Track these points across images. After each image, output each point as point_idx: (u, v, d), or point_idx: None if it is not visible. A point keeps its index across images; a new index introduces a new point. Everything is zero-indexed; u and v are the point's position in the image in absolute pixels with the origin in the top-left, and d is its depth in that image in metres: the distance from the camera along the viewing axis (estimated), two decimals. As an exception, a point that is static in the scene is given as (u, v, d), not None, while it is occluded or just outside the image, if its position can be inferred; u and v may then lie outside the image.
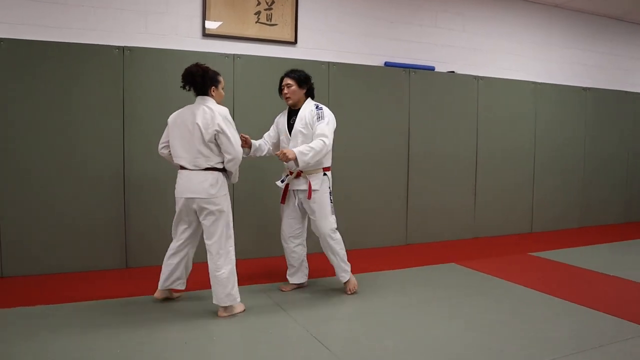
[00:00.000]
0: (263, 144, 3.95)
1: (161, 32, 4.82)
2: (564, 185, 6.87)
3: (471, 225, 6.21)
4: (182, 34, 4.90)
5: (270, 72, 4.80)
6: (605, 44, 7.45)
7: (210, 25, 4.99)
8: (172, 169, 4.49)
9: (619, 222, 7.37)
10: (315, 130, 3.64)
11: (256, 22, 5.17)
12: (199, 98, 3.36)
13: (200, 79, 3.30)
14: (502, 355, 2.84)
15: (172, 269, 3.52)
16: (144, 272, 4.42)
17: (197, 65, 3.34)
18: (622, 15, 7.35)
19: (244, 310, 3.45)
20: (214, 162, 3.31)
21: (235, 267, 3.40)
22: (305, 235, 3.99)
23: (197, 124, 3.24)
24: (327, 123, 3.67)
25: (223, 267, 3.32)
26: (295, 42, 5.35)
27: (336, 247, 3.84)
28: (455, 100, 6.01)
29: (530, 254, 5.38)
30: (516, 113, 6.44)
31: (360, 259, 4.89)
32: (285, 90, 3.77)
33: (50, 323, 3.18)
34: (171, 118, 3.46)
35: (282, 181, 3.82)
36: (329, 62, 5.25)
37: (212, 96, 3.37)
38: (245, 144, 3.78)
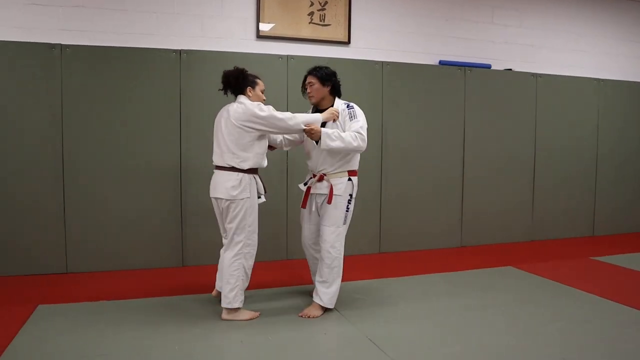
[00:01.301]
0: (278, 136, 3.68)
1: (217, 35, 4.90)
2: (628, 186, 6.55)
3: (529, 227, 6.02)
4: (236, 37, 4.97)
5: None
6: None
7: (264, 27, 5.03)
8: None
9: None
10: (349, 128, 3.38)
11: (309, 23, 5.18)
12: (237, 98, 3.38)
13: (234, 79, 3.32)
14: (566, 365, 2.74)
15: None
16: (199, 270, 4.51)
17: (235, 68, 3.35)
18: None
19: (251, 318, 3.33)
20: (238, 161, 3.26)
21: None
22: None
23: (229, 118, 3.26)
24: (362, 122, 3.41)
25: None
26: (348, 42, 5.33)
27: (334, 266, 3.43)
28: (513, 99, 5.84)
29: (592, 258, 5.16)
30: (577, 112, 6.19)
31: (414, 261, 4.83)
32: (308, 89, 3.53)
33: (111, 318, 3.29)
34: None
35: (305, 184, 3.61)
36: (382, 62, 5.20)
37: (248, 96, 3.35)
38: None
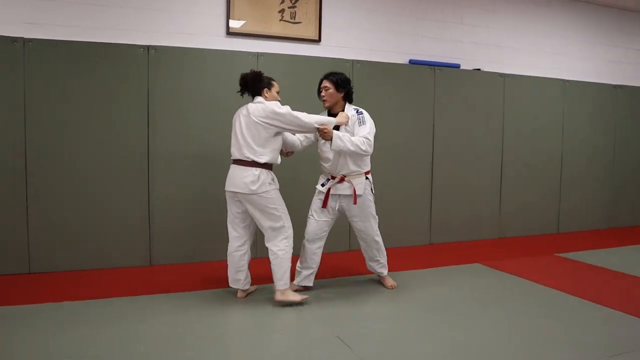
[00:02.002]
0: (295, 139, 3.90)
1: (186, 31, 4.84)
2: (593, 184, 6.72)
3: (496, 224, 6.12)
4: (206, 33, 4.92)
5: (294, 70, 4.80)
6: (637, 40, 7.26)
7: (234, 24, 4.99)
8: (195, 166, 4.53)
9: (650, 223, 7.19)
10: (357, 133, 3.66)
11: (280, 20, 5.16)
12: (254, 99, 3.57)
13: (251, 81, 3.52)
14: (532, 359, 2.79)
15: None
16: (168, 269, 4.46)
17: (251, 71, 3.57)
18: (655, 11, 7.17)
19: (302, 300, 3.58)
20: (256, 156, 3.44)
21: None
22: (326, 239, 3.93)
23: (249, 115, 3.45)
24: (370, 128, 3.69)
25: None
26: (319, 40, 5.32)
27: (382, 246, 4.03)
28: (481, 99, 5.92)
29: (556, 254, 5.28)
30: (544, 111, 6.31)
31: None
32: (323, 93, 3.77)
33: (75, 318, 3.22)
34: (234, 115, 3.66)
35: (323, 185, 3.82)
36: (352, 60, 5.21)
37: (265, 97, 3.54)
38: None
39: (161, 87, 4.54)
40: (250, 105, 3.50)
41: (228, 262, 3.68)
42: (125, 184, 4.49)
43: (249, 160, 3.43)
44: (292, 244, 3.59)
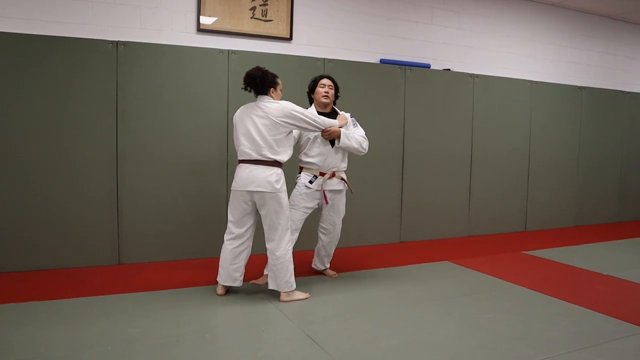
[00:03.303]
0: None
1: (156, 27, 4.78)
2: (558, 184, 6.87)
3: (465, 223, 6.21)
4: (176, 29, 4.87)
5: (266, 68, 4.77)
6: (602, 43, 7.46)
7: (205, 20, 4.95)
8: (164, 164, 4.49)
9: (613, 222, 7.38)
10: (355, 133, 4.00)
11: (251, 18, 5.13)
12: (259, 97, 3.59)
13: (260, 80, 3.53)
14: (496, 354, 2.84)
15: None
16: (137, 268, 4.40)
17: (257, 68, 3.56)
18: (619, 15, 7.36)
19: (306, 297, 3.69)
20: (277, 155, 3.53)
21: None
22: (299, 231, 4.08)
23: (267, 116, 3.49)
24: (363, 131, 4.07)
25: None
26: (290, 38, 5.32)
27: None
28: (451, 98, 6.00)
29: (524, 252, 5.38)
30: (512, 111, 6.43)
31: (354, 257, 4.89)
32: (326, 89, 3.99)
33: (41, 319, 3.15)
34: (236, 115, 3.69)
35: (311, 182, 3.93)
36: (324, 59, 5.22)
37: (271, 96, 3.59)
38: None
39: (130, 84, 4.47)
40: (263, 105, 3.52)
41: (222, 259, 3.69)
42: (92, 183, 4.41)
43: (271, 160, 3.49)
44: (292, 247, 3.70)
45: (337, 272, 4.35)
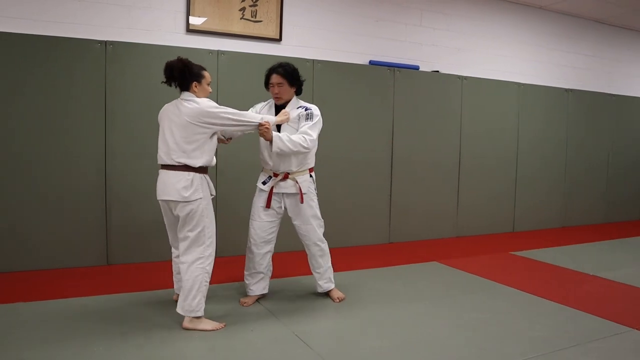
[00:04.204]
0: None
1: (145, 27, 4.76)
2: (545, 185, 6.93)
3: (453, 224, 6.24)
4: (165, 30, 4.85)
5: (255, 69, 4.76)
6: (589, 46, 7.53)
7: (195, 20, 4.95)
8: (153, 163, 4.46)
9: (600, 223, 7.45)
10: (300, 128, 3.44)
11: (241, 19, 5.13)
12: (182, 93, 3.15)
13: (179, 72, 3.08)
14: (483, 353, 2.86)
15: None
16: (127, 269, 4.39)
17: (178, 59, 3.11)
18: (606, 18, 7.43)
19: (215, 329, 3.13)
20: (190, 159, 3.09)
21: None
22: (275, 241, 3.71)
23: (181, 115, 3.07)
24: (314, 124, 3.44)
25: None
26: (280, 39, 5.32)
27: (326, 253, 3.72)
28: (440, 100, 6.03)
29: (511, 253, 5.42)
30: (500, 113, 6.48)
31: (343, 258, 4.89)
32: (276, 90, 3.49)
33: (27, 320, 3.14)
34: (159, 115, 3.28)
35: (264, 183, 3.58)
36: (313, 60, 5.23)
37: (194, 92, 3.14)
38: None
39: (118, 83, 4.46)
40: (180, 104, 3.09)
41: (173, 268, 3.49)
42: (81, 182, 4.39)
43: (181, 164, 3.06)
44: (210, 267, 3.16)
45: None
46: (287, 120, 3.46)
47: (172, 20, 4.88)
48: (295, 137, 3.35)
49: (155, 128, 4.48)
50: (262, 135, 3.31)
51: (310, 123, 3.44)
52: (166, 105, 3.25)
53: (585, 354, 2.87)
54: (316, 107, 3.56)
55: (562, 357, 2.83)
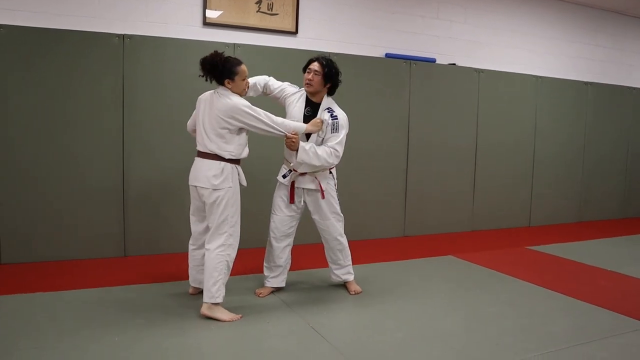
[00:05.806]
0: (257, 84, 3.61)
1: (162, 20, 4.79)
2: (562, 179, 6.87)
3: (469, 218, 6.21)
4: (182, 23, 4.87)
5: (271, 61, 4.80)
6: (608, 38, 7.41)
7: (211, 14, 4.96)
8: (170, 157, 4.50)
9: (618, 218, 7.37)
10: (327, 140, 3.45)
11: (257, 12, 5.14)
12: (218, 87, 3.21)
13: (210, 67, 3.14)
14: (499, 348, 2.86)
15: None
16: (144, 260, 4.45)
17: (211, 54, 3.16)
18: (626, 10, 7.31)
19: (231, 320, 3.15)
20: (221, 150, 3.17)
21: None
22: (295, 234, 3.73)
23: (213, 108, 3.15)
24: (341, 137, 3.46)
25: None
26: (296, 32, 5.32)
27: (345, 247, 3.73)
28: (456, 93, 5.99)
29: (527, 247, 5.39)
30: (517, 106, 6.42)
31: (359, 250, 4.89)
32: (310, 76, 3.46)
33: (47, 310, 3.19)
34: (199, 99, 3.34)
35: (284, 176, 3.59)
36: (329, 53, 5.21)
37: (228, 88, 3.18)
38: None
39: (136, 77, 4.49)
40: (215, 97, 3.16)
41: (189, 259, 3.53)
42: (99, 176, 4.44)
43: (212, 153, 3.16)
44: (231, 256, 3.23)
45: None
46: (319, 131, 3.45)
47: (189, 13, 4.90)
48: (321, 151, 3.37)
49: (172, 121, 4.57)
50: (288, 146, 3.34)
51: (337, 137, 3.45)
52: (206, 93, 3.30)
53: (603, 350, 2.85)
54: (344, 115, 3.55)
55: (579, 353, 2.82)
